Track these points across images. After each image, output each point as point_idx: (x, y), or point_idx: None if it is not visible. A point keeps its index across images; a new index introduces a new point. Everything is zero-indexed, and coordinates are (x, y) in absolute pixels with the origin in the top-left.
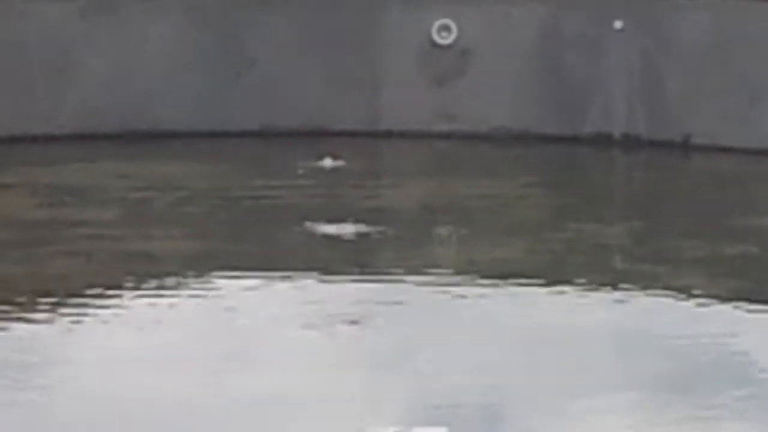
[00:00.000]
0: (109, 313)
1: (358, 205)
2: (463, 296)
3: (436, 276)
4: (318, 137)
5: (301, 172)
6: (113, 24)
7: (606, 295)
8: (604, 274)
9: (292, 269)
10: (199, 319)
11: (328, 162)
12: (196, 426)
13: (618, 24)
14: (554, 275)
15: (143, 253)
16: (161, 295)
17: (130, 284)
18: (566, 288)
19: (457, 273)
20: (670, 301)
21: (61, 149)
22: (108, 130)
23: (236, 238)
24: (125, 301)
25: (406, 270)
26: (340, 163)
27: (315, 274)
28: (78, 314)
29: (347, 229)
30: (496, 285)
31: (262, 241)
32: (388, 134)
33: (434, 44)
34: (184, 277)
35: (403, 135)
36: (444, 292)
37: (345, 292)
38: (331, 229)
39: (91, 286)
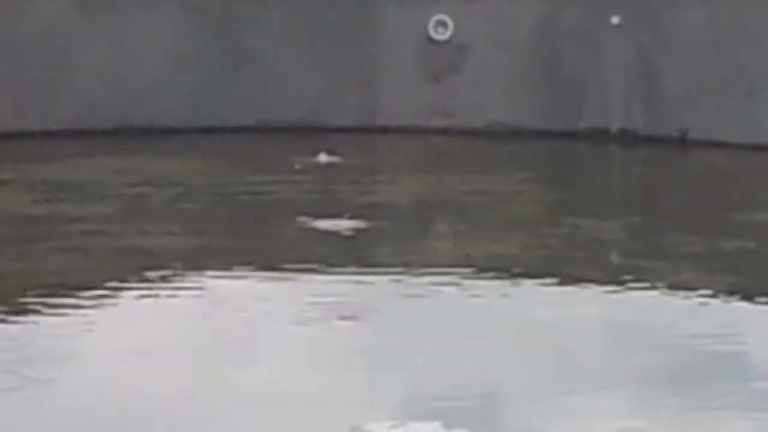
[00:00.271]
0: (106, 308)
1: (355, 201)
2: (459, 291)
3: (433, 271)
4: (315, 133)
5: (297, 167)
6: (111, 20)
7: (602, 291)
8: (600, 270)
9: (288, 265)
10: (196, 314)
11: (324, 157)
12: (193, 420)
13: (615, 19)
14: (550, 270)
15: (140, 248)
16: (158, 291)
17: (127, 280)
18: (563, 283)
19: (454, 268)
20: (667, 296)
21: (58, 145)
22: (105, 125)
23: (233, 233)
24: (122, 297)
25: (402, 265)
26: (336, 158)
27: (312, 269)
28: (75, 310)
29: (344, 225)
30: (493, 280)
31: (258, 237)
32: (385, 130)
33: (431, 40)
34: (182, 272)
35: (399, 130)
36: (440, 288)
37: (342, 288)
38: (327, 224)
39: (88, 281)
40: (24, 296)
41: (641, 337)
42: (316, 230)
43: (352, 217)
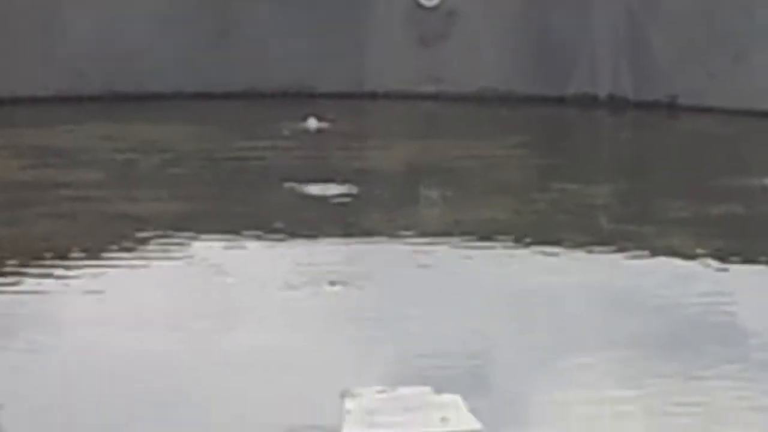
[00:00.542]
0: (95, 274)
1: (344, 166)
2: (449, 257)
3: (422, 236)
4: (303, 99)
5: (286, 133)
6: None
7: (592, 255)
8: (589, 235)
9: (277, 230)
10: (185, 279)
11: (313, 123)
12: (181, 384)
13: None
14: (540, 235)
15: (129, 214)
16: (147, 256)
17: (115, 245)
18: (552, 248)
19: (443, 233)
20: (656, 260)
21: (46, 111)
22: (93, 91)
23: (222, 199)
24: (110, 262)
25: (391, 230)
26: (325, 124)
27: (300, 234)
28: (64, 275)
29: (333, 190)
30: (482, 245)
31: (247, 203)
32: (374, 95)
33: (419, 5)
34: (170, 238)
35: (388, 96)
36: (429, 253)
37: (330, 253)
38: (316, 190)
39: (77, 247)
40: (11, 262)
41: (631, 302)
42: (305, 196)
43: (341, 183)
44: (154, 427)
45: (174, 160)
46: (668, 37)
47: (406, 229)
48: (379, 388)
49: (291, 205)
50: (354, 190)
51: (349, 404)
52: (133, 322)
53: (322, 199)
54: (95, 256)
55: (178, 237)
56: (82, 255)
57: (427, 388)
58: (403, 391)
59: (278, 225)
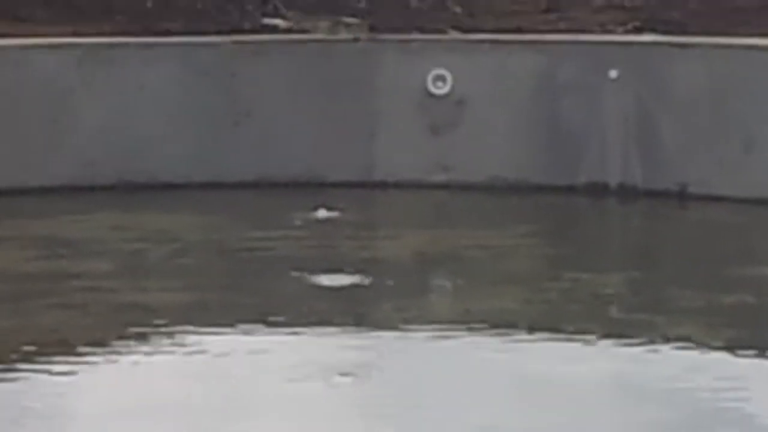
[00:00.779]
0: (105, 365)
1: (354, 256)
2: (459, 347)
3: (432, 327)
4: (314, 188)
5: (297, 223)
6: (110, 74)
7: (603, 345)
8: (600, 324)
9: (287, 321)
10: (194, 370)
11: (323, 213)
12: None
13: (613, 73)
14: (551, 325)
15: (138, 304)
16: (156, 347)
17: (124, 336)
18: (563, 338)
19: (453, 324)
20: (668, 350)
21: (56, 201)
22: (103, 181)
23: (232, 289)
24: (119, 353)
25: (402, 321)
26: (335, 213)
27: (311, 325)
28: (72, 367)
29: (343, 281)
30: (493, 335)
31: (257, 293)
32: (384, 184)
33: (429, 94)
34: (179, 328)
35: (398, 185)
36: (440, 343)
37: (341, 344)
38: (326, 280)
39: (86, 338)
40: (19, 353)
41: (643, 392)
42: (315, 286)
43: (351, 273)
44: None
45: (184, 250)
46: (678, 125)
47: (417, 319)
48: None
49: (301, 296)
50: (364, 280)
51: None
52: (139, 415)
53: (332, 290)
54: (104, 347)
55: (188, 327)
56: (91, 346)
57: None
58: None
59: (288, 315)
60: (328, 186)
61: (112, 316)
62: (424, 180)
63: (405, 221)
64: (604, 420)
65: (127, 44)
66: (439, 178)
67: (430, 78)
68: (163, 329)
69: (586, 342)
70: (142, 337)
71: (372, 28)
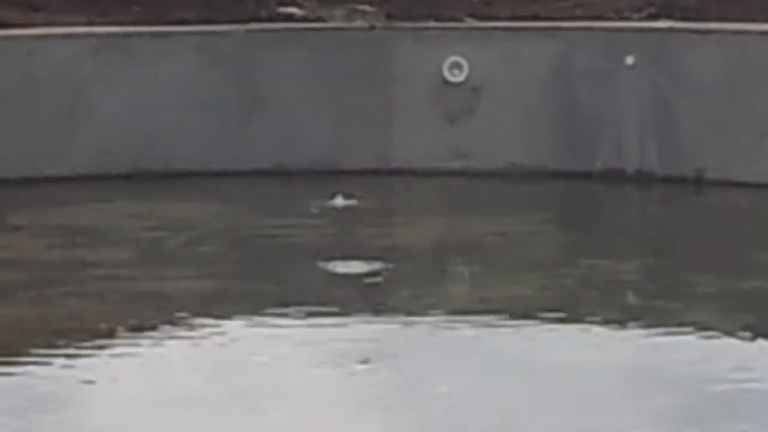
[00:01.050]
0: (123, 353)
1: (371, 244)
2: (476, 334)
3: (450, 314)
4: (330, 176)
5: (313, 210)
6: (125, 63)
7: (620, 332)
8: (617, 311)
9: (305, 308)
10: (213, 358)
11: (340, 201)
12: None
13: (629, 59)
14: (567, 312)
15: (156, 293)
16: (174, 335)
17: (143, 324)
18: (579, 325)
19: (470, 310)
20: (685, 336)
21: (73, 190)
22: (119, 169)
23: (249, 277)
24: (139, 341)
25: (419, 308)
26: (352, 201)
27: (328, 312)
28: (91, 355)
29: (360, 268)
30: (509, 322)
31: (275, 281)
32: (401, 172)
33: (446, 82)
34: (198, 316)
35: (414, 173)
36: (457, 330)
37: (358, 331)
38: (344, 267)
39: (105, 326)
40: (39, 342)
41: (659, 378)
42: (332, 273)
43: (368, 260)
44: None
45: (201, 238)
46: (694, 111)
47: (434, 306)
48: None
49: (318, 283)
50: (381, 267)
51: None
52: (159, 403)
53: (350, 277)
54: (123, 336)
55: (206, 315)
56: (110, 334)
57: None
58: None
59: (305, 303)
60: (345, 174)
61: (129, 305)
62: (440, 167)
63: (421, 209)
64: (620, 407)
65: (142, 33)
66: (456, 165)
67: (446, 65)
68: (180, 317)
69: (603, 329)
70: (159, 325)
71: (388, 16)
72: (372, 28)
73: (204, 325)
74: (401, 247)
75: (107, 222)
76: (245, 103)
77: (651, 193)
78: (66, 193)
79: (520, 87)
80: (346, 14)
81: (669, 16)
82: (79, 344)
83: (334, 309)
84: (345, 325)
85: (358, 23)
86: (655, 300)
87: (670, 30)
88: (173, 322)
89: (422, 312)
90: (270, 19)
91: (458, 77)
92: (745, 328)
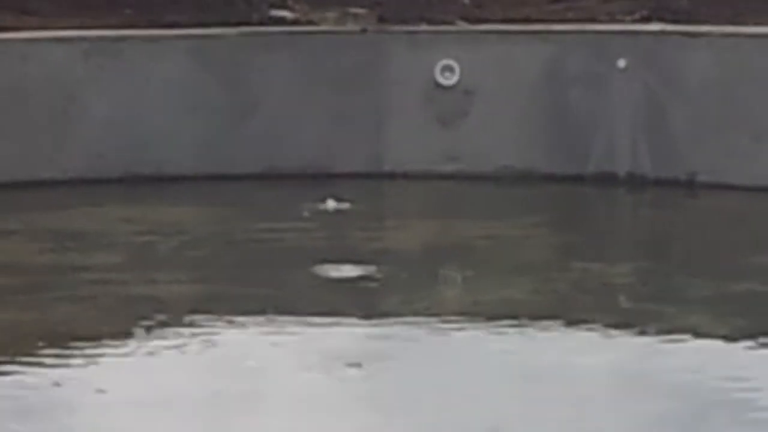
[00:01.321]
0: (115, 357)
1: (363, 247)
2: (468, 338)
3: (441, 317)
4: (322, 179)
5: (305, 214)
6: (117, 66)
7: (612, 335)
8: (609, 314)
9: (297, 312)
10: (204, 362)
11: (332, 204)
12: None
13: (621, 62)
14: (559, 315)
15: (148, 297)
16: (166, 339)
17: (135, 328)
18: (572, 328)
19: (462, 314)
20: (677, 340)
21: (65, 194)
22: (111, 173)
23: (241, 281)
24: (130, 345)
25: (411, 312)
26: (344, 204)
27: (320, 316)
28: (83, 359)
29: (352, 272)
30: (501, 326)
31: (267, 284)
32: (392, 175)
33: (438, 85)
34: (190, 320)
35: (406, 176)
36: (449, 334)
37: (350, 335)
38: (335, 271)
39: (97, 330)
40: (31, 346)
41: (652, 382)
42: (324, 277)
43: (360, 264)
44: None
45: (193, 242)
46: (687, 114)
47: (426, 310)
48: None
49: (310, 287)
50: (373, 270)
51: None
52: (151, 407)
53: (342, 281)
54: (114, 340)
55: (197, 319)
56: (101, 339)
57: None
58: None
59: (298, 307)
60: (337, 177)
61: (121, 309)
62: (432, 171)
63: (413, 212)
64: (612, 411)
65: (134, 37)
66: (448, 168)
67: (438, 69)
68: (172, 321)
69: (596, 332)
70: (152, 329)
71: (380, 19)
72: (364, 31)
73: (196, 329)
74: (393, 251)
75: (99, 226)
76: (237, 107)
77: (643, 196)
78: (58, 197)
79: (513, 90)
80: (337, 17)
81: (661, 19)
82: (71, 348)
83: (326, 312)
84: (337, 328)
85: (350, 26)
86: (648, 303)
87: (662, 33)
88: (165, 326)
89: (414, 315)
90: (262, 23)
91: (450, 80)
92: (738, 331)
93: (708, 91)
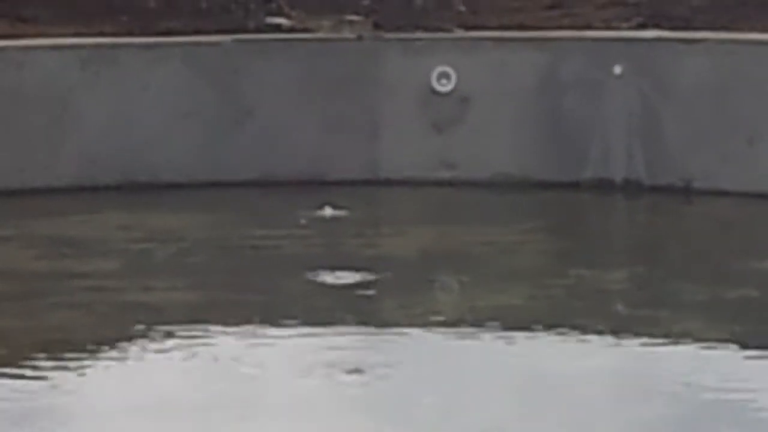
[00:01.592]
0: (110, 364)
1: (359, 254)
2: (464, 344)
3: (437, 324)
4: (318, 186)
5: (302, 221)
6: (113, 74)
7: (607, 341)
8: (605, 320)
9: (293, 319)
10: (200, 369)
11: (329, 211)
12: None
13: (617, 69)
14: (555, 321)
15: (144, 304)
16: (162, 346)
17: (130, 336)
18: (567, 334)
19: (458, 320)
20: (672, 346)
21: (61, 200)
22: (108, 180)
23: (237, 288)
24: (126, 353)
25: (407, 318)
26: (341, 212)
27: (317, 323)
28: (79, 366)
29: (348, 279)
30: (497, 332)
31: (263, 291)
32: (388, 182)
33: (434, 92)
34: (186, 327)
35: (402, 183)
36: (446, 340)
37: (347, 341)
38: (332, 278)
39: (92, 338)
40: (25, 352)
41: (646, 387)
42: (320, 284)
43: (357, 270)
44: None
45: (189, 249)
46: (682, 121)
47: (422, 316)
48: None
49: (307, 294)
50: (369, 277)
51: None
52: (147, 414)
53: (338, 288)
54: (110, 347)
55: (194, 326)
56: (97, 345)
57: None
58: None
59: (294, 314)
60: (332, 184)
61: (118, 316)
62: (428, 177)
63: (409, 219)
64: (608, 416)
65: (130, 44)
66: (444, 175)
67: (434, 75)
68: (169, 328)
69: (591, 338)
70: (148, 336)
71: (376, 26)
72: (360, 38)
73: (192, 336)
74: (389, 257)
75: (95, 233)
76: (233, 114)
77: (639, 203)
78: (54, 204)
79: (508, 97)
80: (333, 25)
81: (657, 26)
82: (66, 355)
83: (323, 319)
84: (333, 335)
85: (346, 34)
86: (643, 309)
87: (658, 39)
88: (161, 333)
89: (411, 322)
90: (258, 30)
91: (446, 87)
92: (733, 337)
93: (703, 98)
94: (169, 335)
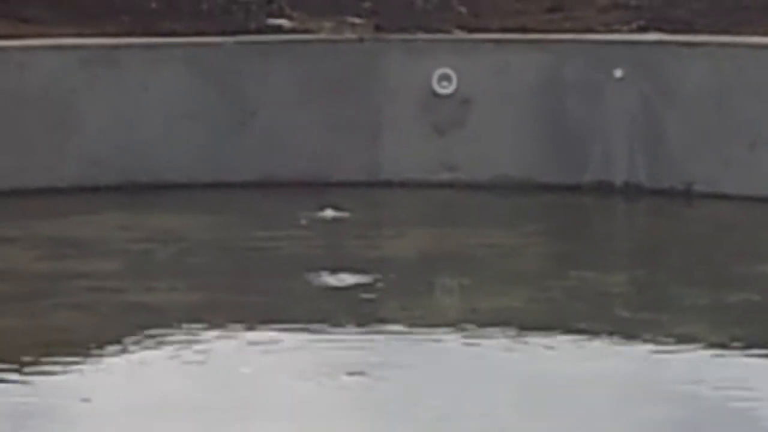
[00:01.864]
0: (111, 364)
1: (360, 256)
2: (465, 346)
3: (439, 326)
4: (320, 187)
5: (303, 222)
6: (114, 75)
7: (608, 344)
8: (606, 323)
9: (294, 320)
10: (201, 370)
11: (330, 212)
12: None
13: (618, 72)
14: (556, 324)
15: (145, 304)
16: (163, 347)
17: (131, 336)
18: (568, 337)
19: (459, 322)
20: (673, 349)
21: (62, 201)
22: (109, 181)
23: (238, 289)
24: (126, 353)
25: (408, 320)
26: (342, 213)
27: (317, 324)
28: (80, 366)
29: (349, 280)
30: (498, 334)
31: (264, 292)
32: (390, 184)
33: (435, 94)
34: (186, 328)
35: (403, 185)
36: (446, 342)
37: (348, 343)
38: (333, 279)
39: (94, 338)
40: (26, 353)
41: (649, 391)
42: (321, 285)
43: (358, 272)
44: None
45: (190, 250)
46: (683, 124)
47: (423, 318)
48: None
49: (308, 295)
50: (370, 279)
51: None
52: (149, 413)
53: (339, 289)
54: (111, 347)
55: (195, 327)
56: (98, 346)
57: None
58: None
59: (295, 315)
60: (334, 186)
61: (119, 316)
62: (429, 179)
63: (410, 221)
64: (609, 420)
65: (131, 45)
66: (445, 177)
67: (435, 77)
68: (170, 329)
69: (592, 341)
70: (149, 337)
71: (377, 28)
72: (361, 40)
73: (192, 337)
74: (390, 259)
75: (96, 233)
76: (234, 115)
77: (640, 206)
78: (55, 205)
79: (509, 99)
80: (335, 26)
81: (658, 29)
82: (68, 355)
83: (323, 321)
84: (334, 336)
85: (347, 35)
86: (645, 312)
87: (659, 42)
88: (162, 334)
89: (411, 323)
90: (259, 31)
91: (447, 89)
92: (734, 341)
93: (704, 101)
94: (171, 336)
